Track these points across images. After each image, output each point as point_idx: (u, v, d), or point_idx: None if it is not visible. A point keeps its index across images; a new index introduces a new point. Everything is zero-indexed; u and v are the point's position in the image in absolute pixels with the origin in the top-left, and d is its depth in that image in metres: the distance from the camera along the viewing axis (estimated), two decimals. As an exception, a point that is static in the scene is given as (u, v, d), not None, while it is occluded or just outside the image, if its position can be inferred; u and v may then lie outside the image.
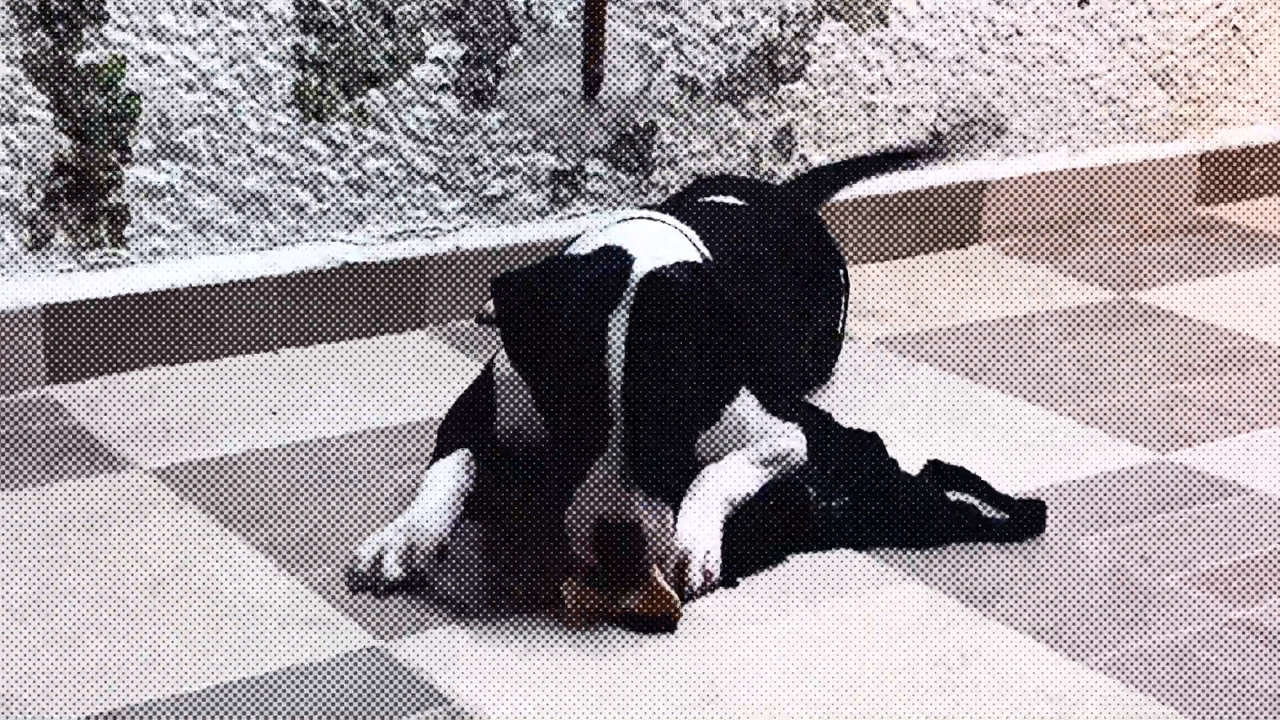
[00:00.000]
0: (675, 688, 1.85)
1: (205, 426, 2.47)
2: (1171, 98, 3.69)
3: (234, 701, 1.79)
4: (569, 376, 1.94)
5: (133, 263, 2.64)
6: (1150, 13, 3.60)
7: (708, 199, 2.58)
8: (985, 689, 1.87)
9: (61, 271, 2.59)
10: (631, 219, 2.18)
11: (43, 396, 2.55)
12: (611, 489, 1.92)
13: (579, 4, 2.92)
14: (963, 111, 3.42)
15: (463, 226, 2.91)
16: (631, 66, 3.01)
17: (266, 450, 2.40)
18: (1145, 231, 3.60)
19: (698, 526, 2.06)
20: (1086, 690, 1.87)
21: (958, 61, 3.38)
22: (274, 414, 2.52)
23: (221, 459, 2.37)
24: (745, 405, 2.17)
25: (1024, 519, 2.23)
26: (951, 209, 3.42)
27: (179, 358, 2.68)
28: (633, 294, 1.95)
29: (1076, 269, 3.33)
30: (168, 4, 2.57)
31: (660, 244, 2.06)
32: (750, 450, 2.18)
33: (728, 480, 2.13)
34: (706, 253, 2.18)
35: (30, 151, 2.52)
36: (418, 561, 2.02)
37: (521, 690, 1.83)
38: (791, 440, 2.21)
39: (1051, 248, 3.47)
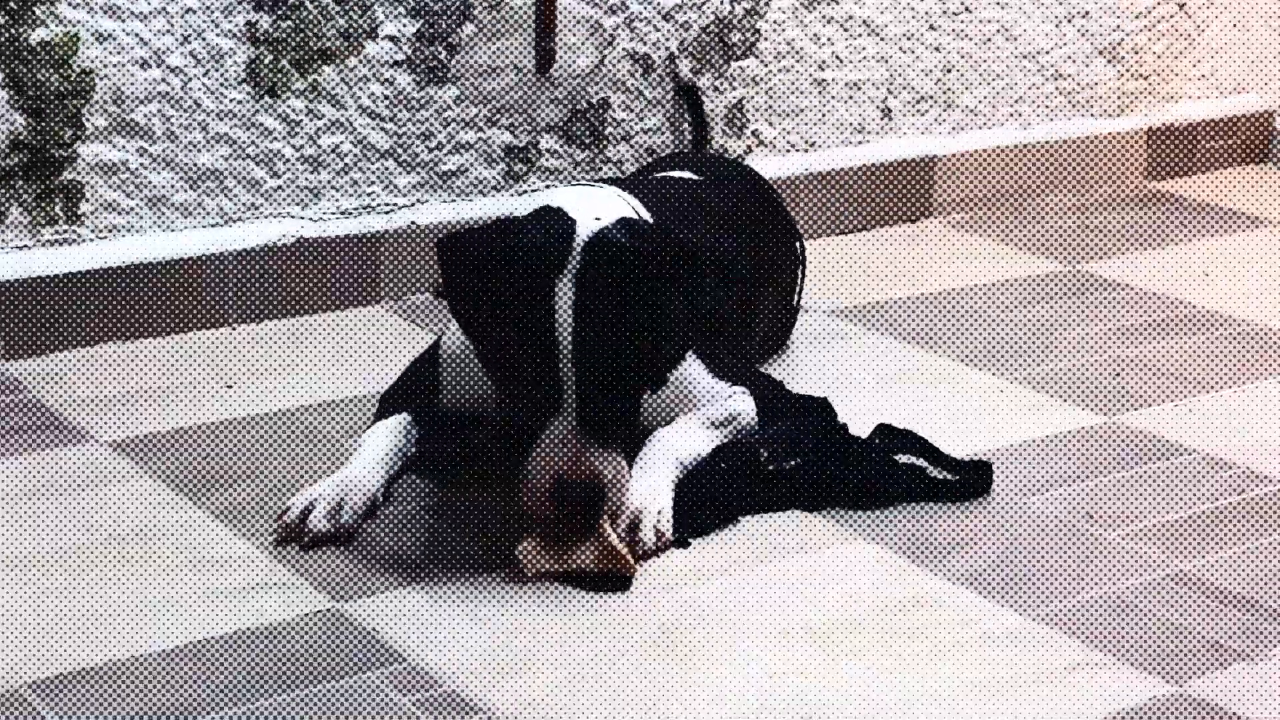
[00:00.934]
0: (630, 638, 1.88)
1: (162, 399, 2.49)
2: (1119, 73, 3.73)
3: (191, 662, 1.82)
4: (518, 343, 1.97)
5: (88, 239, 2.65)
6: (1097, -11, 3.65)
7: (661, 174, 2.60)
8: (927, 636, 1.90)
9: (17, 248, 2.60)
10: (573, 186, 2.21)
11: (1, 372, 2.57)
12: (568, 446, 1.95)
13: (531, -19, 2.94)
14: (912, 87, 3.45)
15: (418, 202, 2.93)
16: (584, 43, 3.03)
17: (223, 422, 2.42)
18: (1094, 205, 3.64)
19: (649, 487, 2.08)
20: (1030, 639, 1.90)
21: (907, 38, 3.42)
22: (229, 387, 2.54)
23: (178, 430, 2.39)
24: (692, 369, 2.20)
25: (971, 479, 2.27)
26: (903, 184, 3.45)
27: (136, 333, 2.69)
28: (577, 258, 1.97)
29: (1027, 241, 3.37)
30: (120, -19, 2.58)
31: (599, 206, 2.08)
32: (699, 413, 2.21)
33: (678, 442, 2.16)
34: (649, 218, 2.20)
35: (-16, 128, 2.53)
36: (345, 517, 2.06)
37: (476, 647, 1.86)
38: (740, 403, 2.24)
39: (1002, 221, 3.51)
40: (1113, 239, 3.40)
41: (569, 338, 1.95)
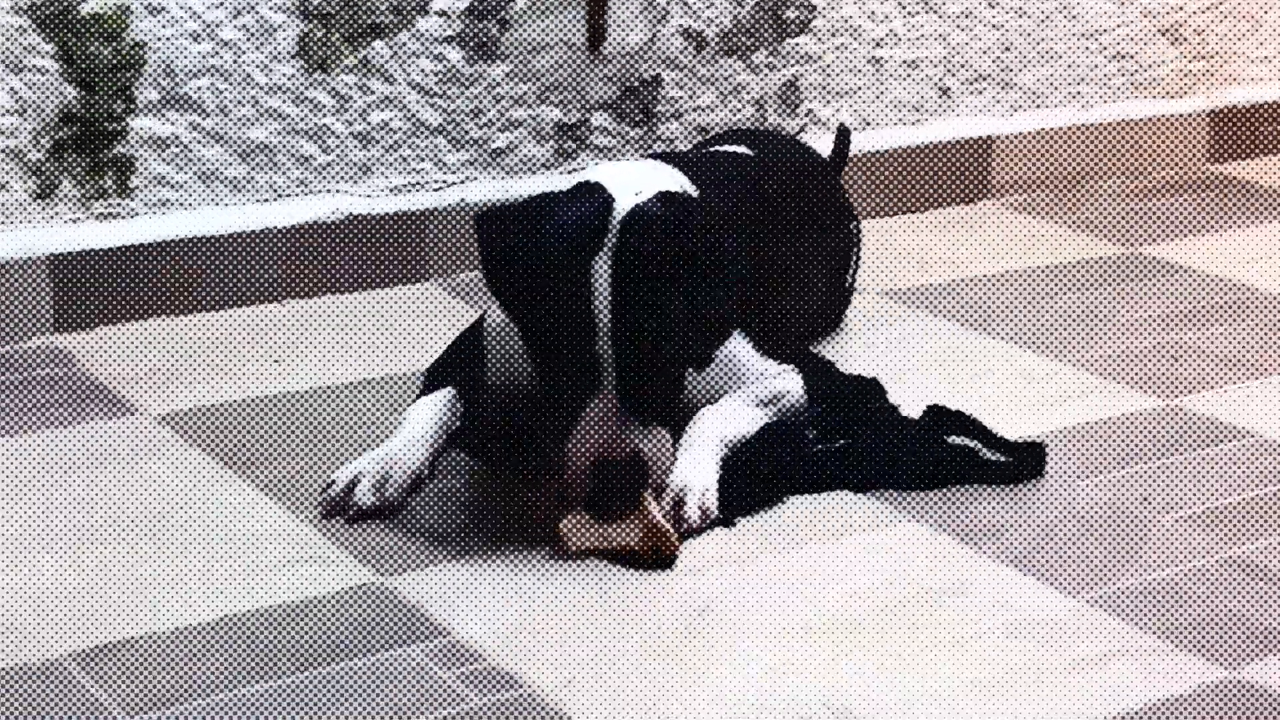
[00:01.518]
0: (670, 615, 1.86)
1: (208, 374, 2.49)
2: (1182, 54, 3.68)
3: (232, 634, 1.81)
4: (556, 320, 1.96)
5: (138, 213, 2.65)
6: (1159, -32, 3.60)
7: (716, 149, 2.58)
8: (973, 619, 1.87)
9: (68, 221, 2.60)
10: (619, 161, 2.19)
11: (49, 345, 2.57)
12: (608, 423, 1.93)
13: (584, -43, 2.92)
14: (970, 66, 3.41)
15: (468, 179, 2.91)
16: (636, 19, 3.01)
17: (268, 397, 2.42)
18: (1155, 188, 3.59)
19: (694, 465, 2.07)
20: (1077, 621, 1.87)
21: (966, 16, 3.38)
22: (276, 362, 2.54)
23: (224, 405, 2.38)
24: (738, 347, 2.18)
25: (1023, 461, 2.24)
26: (960, 164, 3.42)
27: (184, 308, 2.69)
28: (615, 235, 1.95)
29: (1084, 224, 3.33)
30: (172, -46, 2.58)
31: (639, 180, 2.06)
32: (746, 392, 2.19)
33: (724, 421, 2.14)
34: (693, 191, 2.18)
35: (36, 101, 2.53)
36: (390, 491, 2.05)
37: (518, 622, 1.85)
38: (787, 381, 2.22)
39: (1059, 203, 3.46)
40: (1172, 222, 3.35)
41: (607, 314, 1.93)
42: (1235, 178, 3.68)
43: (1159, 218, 3.38)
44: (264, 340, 2.62)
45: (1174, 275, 3.05)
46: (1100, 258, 3.14)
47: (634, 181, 2.04)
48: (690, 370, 2.14)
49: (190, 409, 2.37)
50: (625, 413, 1.94)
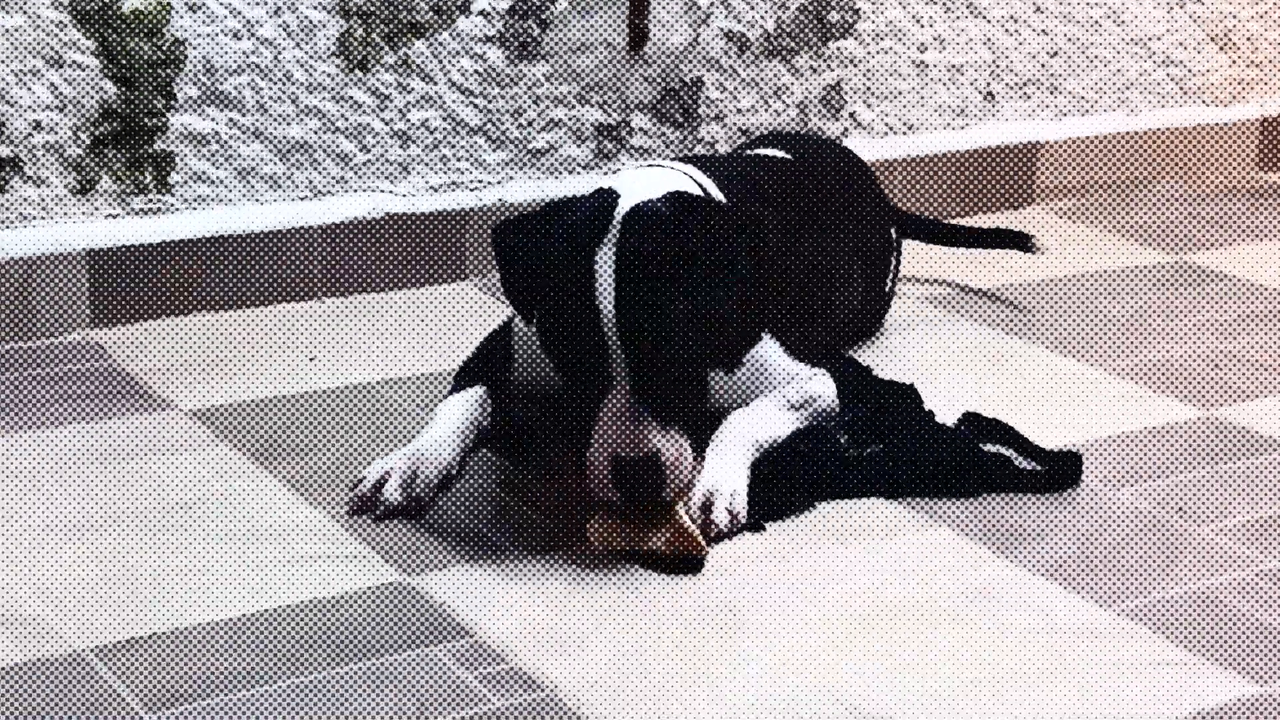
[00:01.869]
0: (695, 616, 1.85)
1: (244, 370, 2.49)
2: (1233, 61, 3.64)
3: (256, 629, 1.81)
4: (566, 319, 1.96)
5: (177, 209, 2.66)
6: (1210, -26, 3.56)
7: (753, 152, 2.57)
8: (1001, 624, 1.85)
9: (107, 216, 2.61)
10: (640, 167, 2.18)
11: (86, 339, 2.58)
12: (624, 424, 1.92)
13: (626, -43, 2.91)
14: (1016, 71, 3.38)
15: (507, 179, 2.91)
16: (678, 20, 3.00)
17: (303, 394, 2.41)
18: (1204, 195, 3.55)
19: (723, 467, 2.05)
20: (1109, 632, 1.85)
21: (1012, 20, 3.35)
22: (312, 360, 2.54)
23: (258, 401, 2.38)
24: (768, 350, 2.16)
25: (1060, 470, 2.21)
26: (1005, 170, 3.39)
27: (221, 304, 2.70)
28: (617, 228, 1.95)
29: (1131, 231, 3.30)
30: (213, -49, 2.59)
31: (654, 184, 2.05)
32: (777, 395, 2.17)
33: (755, 424, 2.12)
34: (719, 196, 2.16)
35: (76, 97, 2.54)
36: (419, 489, 2.05)
37: (542, 624, 1.84)
38: (819, 385, 2.20)
39: (1107, 210, 3.43)
40: (1220, 230, 3.32)
41: (612, 308, 1.92)
42: (1285, 186, 3.64)
43: (1206, 225, 3.34)
44: (299, 337, 2.62)
45: (1219, 283, 3.01)
46: (1144, 265, 3.11)
47: (646, 185, 2.04)
48: (719, 373, 2.14)
49: (224, 405, 2.37)
50: (641, 411, 1.92)
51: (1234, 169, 3.69)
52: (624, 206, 1.98)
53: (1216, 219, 3.39)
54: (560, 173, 2.94)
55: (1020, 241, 2.92)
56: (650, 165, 2.19)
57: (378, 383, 2.46)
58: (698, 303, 1.94)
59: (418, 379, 2.47)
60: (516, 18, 2.85)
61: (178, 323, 2.65)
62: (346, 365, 2.52)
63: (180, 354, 2.53)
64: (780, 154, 2.52)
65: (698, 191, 2.10)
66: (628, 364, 1.92)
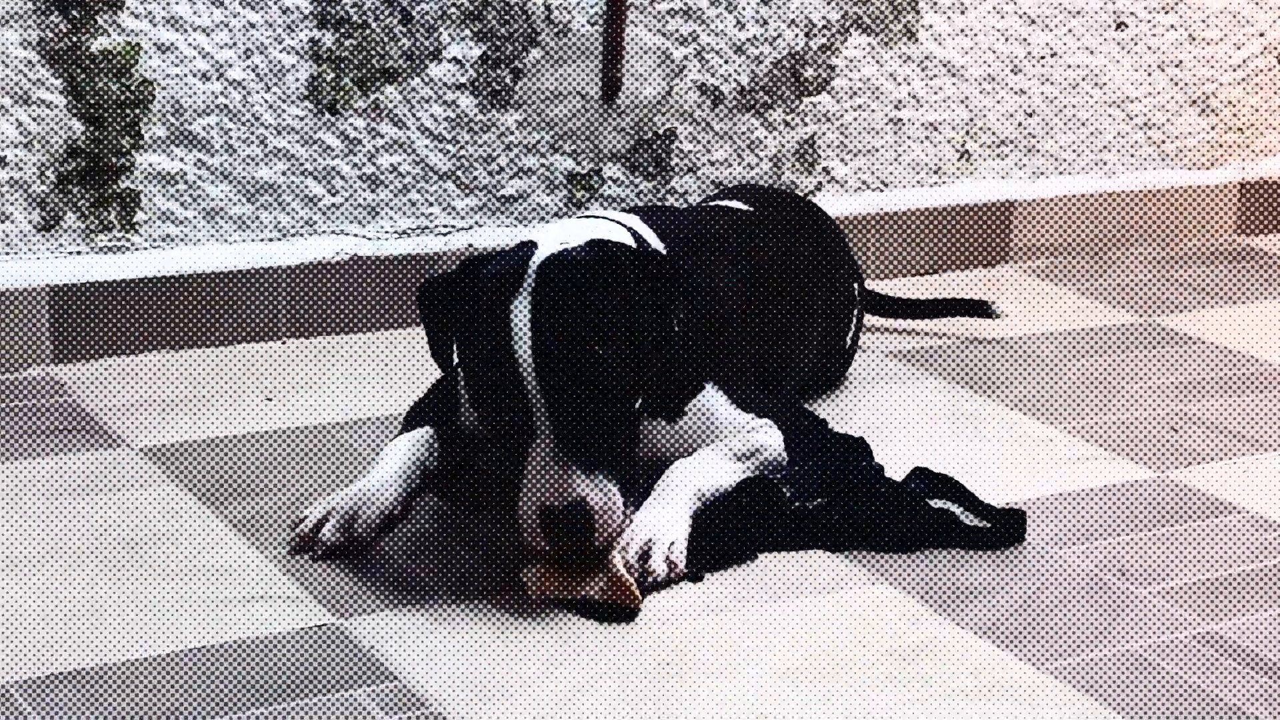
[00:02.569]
0: (625, 669, 1.85)
1: (200, 408, 2.50)
2: (1212, 125, 3.65)
3: (181, 669, 1.81)
4: (485, 368, 1.97)
5: (143, 248, 2.67)
6: (1191, 39, 3.57)
7: (714, 204, 2.58)
8: (930, 684, 1.85)
9: (71, 254, 2.63)
10: (573, 218, 2.20)
11: (46, 375, 2.59)
12: (550, 474, 1.93)
13: (600, 9, 2.93)
14: (992, 130, 3.40)
15: (476, 225, 2.92)
16: (651, 72, 3.02)
17: (256, 434, 2.42)
18: (1180, 258, 3.56)
19: (662, 516, 2.05)
20: (1037, 692, 1.84)
21: (989, 80, 3.36)
22: (269, 400, 2.55)
23: (211, 440, 2.39)
24: (712, 399, 2.16)
25: (1004, 528, 2.21)
26: (980, 228, 3.40)
27: (185, 343, 2.71)
28: (532, 279, 1.96)
29: (1103, 292, 3.30)
30: (184, -7, 2.61)
31: (576, 234, 2.06)
32: (722, 445, 2.17)
33: (698, 473, 2.13)
34: (658, 245, 2.17)
35: (43, 134, 2.56)
36: (359, 530, 2.05)
37: (469, 671, 1.84)
38: (765, 436, 2.20)
39: (1081, 270, 3.43)
40: (1194, 293, 3.32)
41: (529, 358, 1.93)
42: (1262, 251, 3.63)
43: (1179, 288, 3.35)
44: (260, 377, 2.63)
45: (1185, 346, 3.01)
46: (1113, 326, 3.11)
47: (567, 235, 2.05)
48: (662, 422, 2.14)
49: (177, 443, 2.37)
50: (566, 460, 1.93)
51: (1212, 233, 3.69)
52: (540, 256, 1.99)
53: (1190, 282, 3.39)
54: (530, 220, 2.96)
55: (979, 309, 2.94)
56: (585, 216, 2.20)
57: (333, 424, 2.47)
58: (617, 349, 1.95)
59: (374, 421, 2.48)
60: (489, 66, 2.87)
61: (139, 360, 2.66)
62: (304, 406, 2.53)
63: (139, 392, 2.55)
64: (740, 206, 2.53)
65: (628, 240, 2.11)
66: (549, 413, 1.93)
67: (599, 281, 1.96)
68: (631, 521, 2.01)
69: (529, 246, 2.02)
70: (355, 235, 2.83)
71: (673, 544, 2.04)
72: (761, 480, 2.18)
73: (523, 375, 1.93)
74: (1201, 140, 3.65)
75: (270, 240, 2.77)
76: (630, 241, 2.10)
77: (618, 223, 2.15)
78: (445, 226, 2.90)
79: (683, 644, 1.92)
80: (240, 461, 2.33)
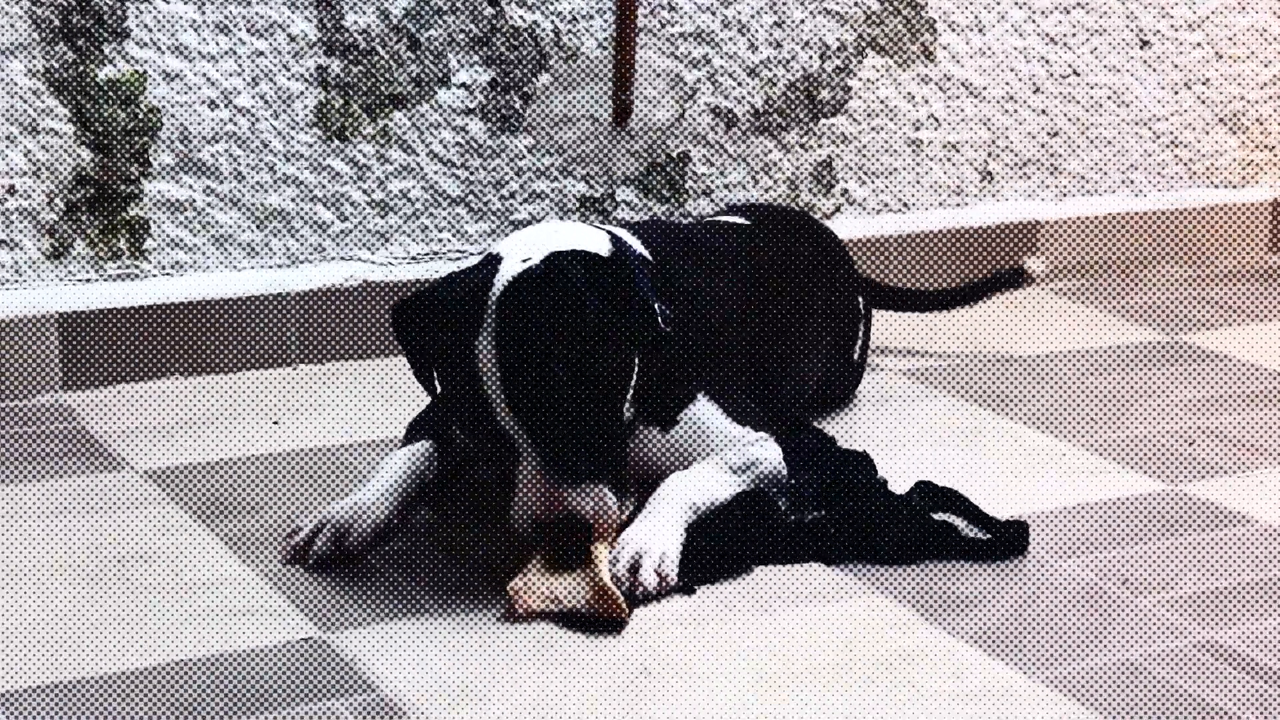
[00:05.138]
0: (608, 679, 1.83)
1: (205, 432, 2.51)
2: (1243, 143, 3.61)
3: (160, 681, 1.81)
4: (460, 397, 1.97)
5: (152, 275, 2.69)
6: (1218, 56, 3.53)
7: (709, 219, 2.57)
8: (917, 690, 1.82)
9: (80, 281, 2.65)
10: (539, 225, 2.20)
11: (56, 402, 2.61)
12: (539, 488, 1.92)
13: (610, 32, 2.94)
14: (1014, 151, 3.37)
15: (488, 249, 2.92)
16: (663, 96, 3.01)
17: (260, 456, 2.43)
18: (1212, 277, 3.51)
19: (654, 528, 2.04)
20: (1026, 699, 1.81)
21: (1010, 100, 3.34)
22: (276, 423, 2.55)
23: (214, 463, 2.40)
24: (705, 411, 2.15)
25: (1006, 539, 2.18)
26: (1004, 249, 3.37)
27: (195, 369, 2.72)
28: (494, 310, 1.95)
29: (1129, 310, 3.26)
30: (190, 23, 2.63)
31: (540, 243, 2.04)
32: (718, 458, 2.16)
33: (692, 485, 2.11)
34: (644, 254, 2.16)
35: (51, 163, 2.59)
36: (352, 541, 2.05)
37: (450, 682, 1.82)
38: (763, 449, 2.18)
39: (1108, 290, 3.40)
40: (1223, 311, 3.27)
41: (499, 391, 1.93)
42: (1296, 269, 3.59)
43: (1208, 306, 3.30)
44: (268, 402, 2.64)
45: (1209, 362, 2.97)
46: (1137, 343, 3.07)
47: (532, 246, 2.03)
48: (656, 432, 2.13)
49: (180, 465, 2.38)
50: (554, 475, 1.92)
51: (1244, 251, 3.64)
52: (500, 281, 1.98)
53: (1220, 301, 3.34)
54: (541, 245, 2.95)
55: (1013, 277, 2.88)
56: (568, 223, 2.19)
57: (337, 447, 2.47)
58: (587, 368, 1.94)
59: (378, 443, 2.48)
60: (498, 91, 2.87)
61: (147, 387, 2.68)
62: (310, 429, 2.53)
63: (145, 417, 2.56)
64: (737, 220, 2.52)
65: (604, 245, 2.09)
66: (529, 439, 1.93)
67: (559, 303, 1.95)
68: (627, 522, 2.01)
69: (491, 266, 2.01)
70: (366, 261, 2.84)
71: (663, 556, 2.02)
72: (756, 493, 2.16)
73: (495, 404, 1.93)
74: (1231, 159, 3.61)
75: (280, 267, 2.78)
76: (606, 247, 2.09)
77: (598, 229, 2.14)
78: (457, 252, 2.90)
79: (667, 652, 1.89)
80: (240, 482, 2.33)
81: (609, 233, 2.14)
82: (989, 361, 2.93)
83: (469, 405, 1.97)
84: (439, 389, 2.06)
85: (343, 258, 2.82)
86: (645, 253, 2.15)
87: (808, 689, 1.82)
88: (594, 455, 1.95)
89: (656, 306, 2.01)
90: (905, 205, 3.29)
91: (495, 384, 1.93)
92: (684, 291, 2.15)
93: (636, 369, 2.02)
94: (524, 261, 2.00)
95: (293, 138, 2.74)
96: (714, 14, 3.02)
